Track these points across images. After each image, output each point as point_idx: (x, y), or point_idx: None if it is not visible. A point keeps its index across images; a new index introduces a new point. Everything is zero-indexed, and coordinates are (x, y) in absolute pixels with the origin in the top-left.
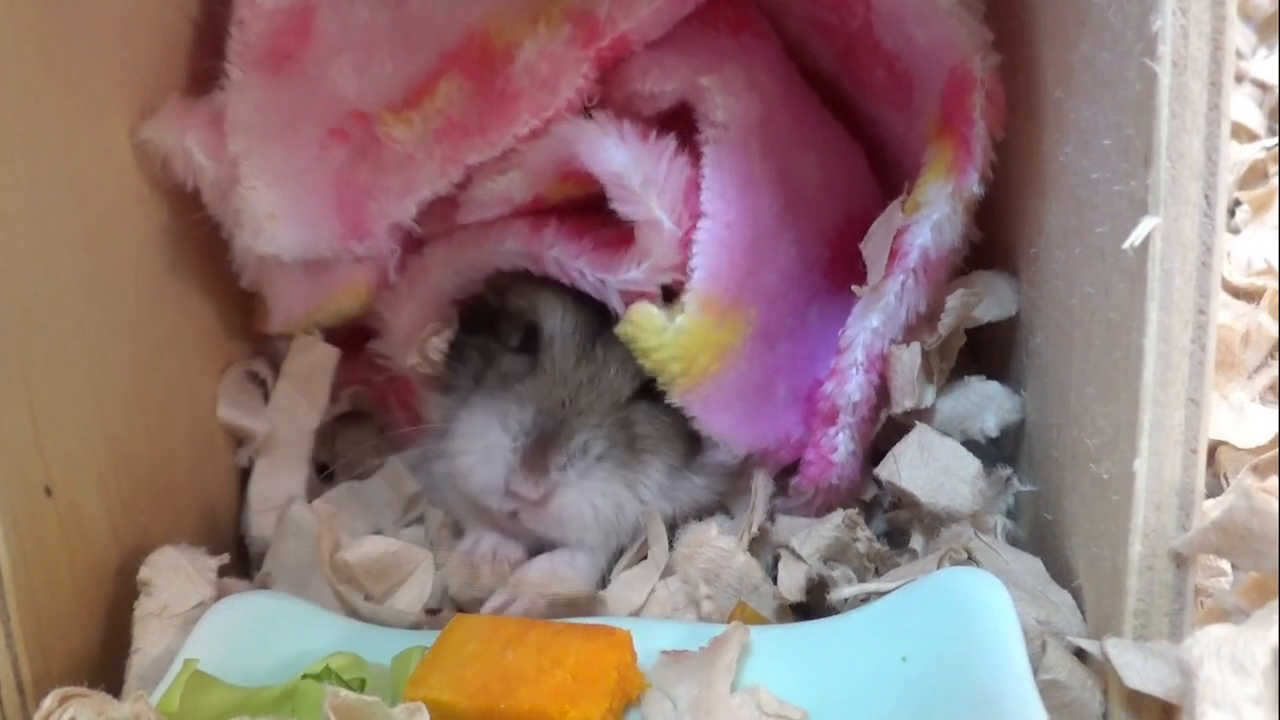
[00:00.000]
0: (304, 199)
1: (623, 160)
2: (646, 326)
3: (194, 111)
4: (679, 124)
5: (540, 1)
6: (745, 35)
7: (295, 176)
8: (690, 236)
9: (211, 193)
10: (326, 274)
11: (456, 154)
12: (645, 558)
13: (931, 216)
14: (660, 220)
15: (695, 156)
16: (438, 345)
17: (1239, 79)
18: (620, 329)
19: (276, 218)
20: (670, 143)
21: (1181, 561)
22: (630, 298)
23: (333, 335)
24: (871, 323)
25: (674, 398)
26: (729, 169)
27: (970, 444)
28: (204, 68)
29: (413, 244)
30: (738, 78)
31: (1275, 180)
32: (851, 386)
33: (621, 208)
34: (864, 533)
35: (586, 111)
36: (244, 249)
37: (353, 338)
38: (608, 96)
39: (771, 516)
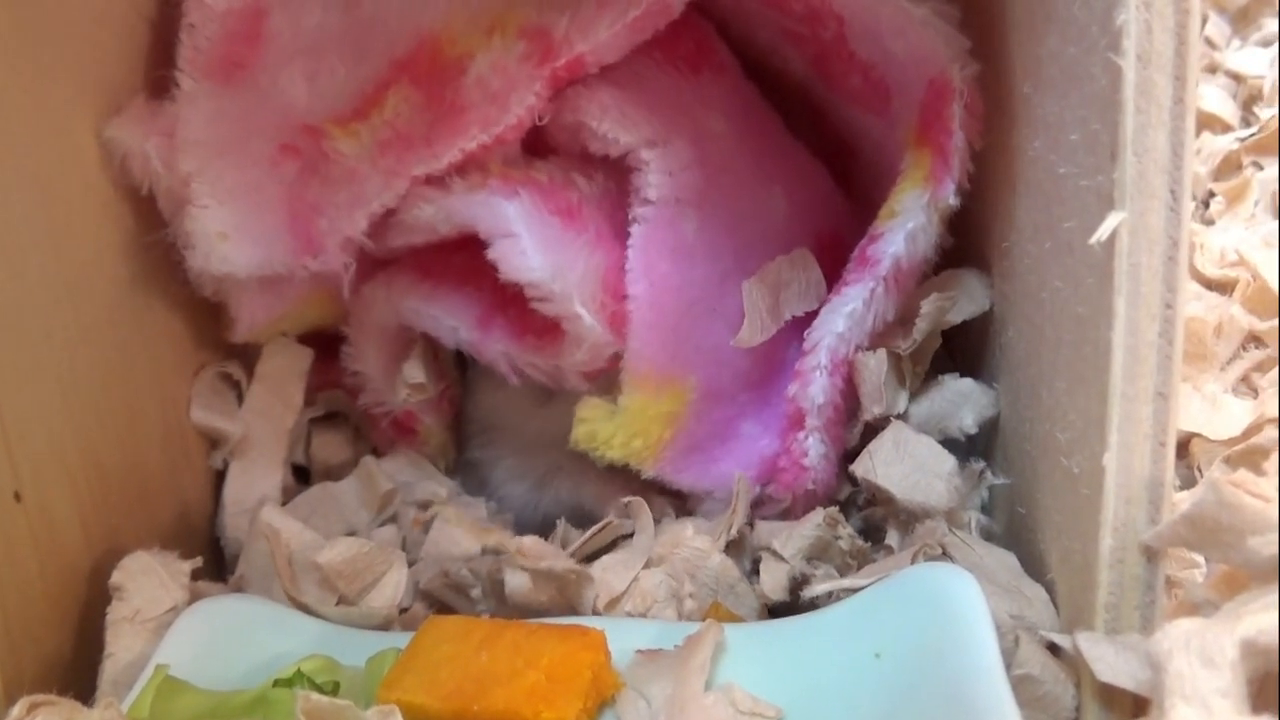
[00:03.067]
0: (256, 216)
1: (539, 266)
2: (597, 417)
3: (158, 116)
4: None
5: (496, 12)
6: (704, 73)
7: (247, 194)
8: (622, 309)
9: (165, 200)
10: (287, 286)
11: (401, 166)
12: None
13: (906, 225)
14: (582, 316)
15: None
16: (413, 370)
17: (1213, 70)
18: (575, 432)
19: (229, 236)
20: (590, 233)
21: (1151, 555)
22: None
23: (306, 337)
24: (837, 327)
25: (649, 471)
26: (656, 248)
27: (949, 442)
28: (166, 75)
29: (368, 269)
30: (681, 153)
31: (1249, 172)
32: (815, 389)
33: (541, 307)
34: (845, 530)
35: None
36: (198, 268)
37: (327, 340)
38: (558, 116)
39: (750, 523)
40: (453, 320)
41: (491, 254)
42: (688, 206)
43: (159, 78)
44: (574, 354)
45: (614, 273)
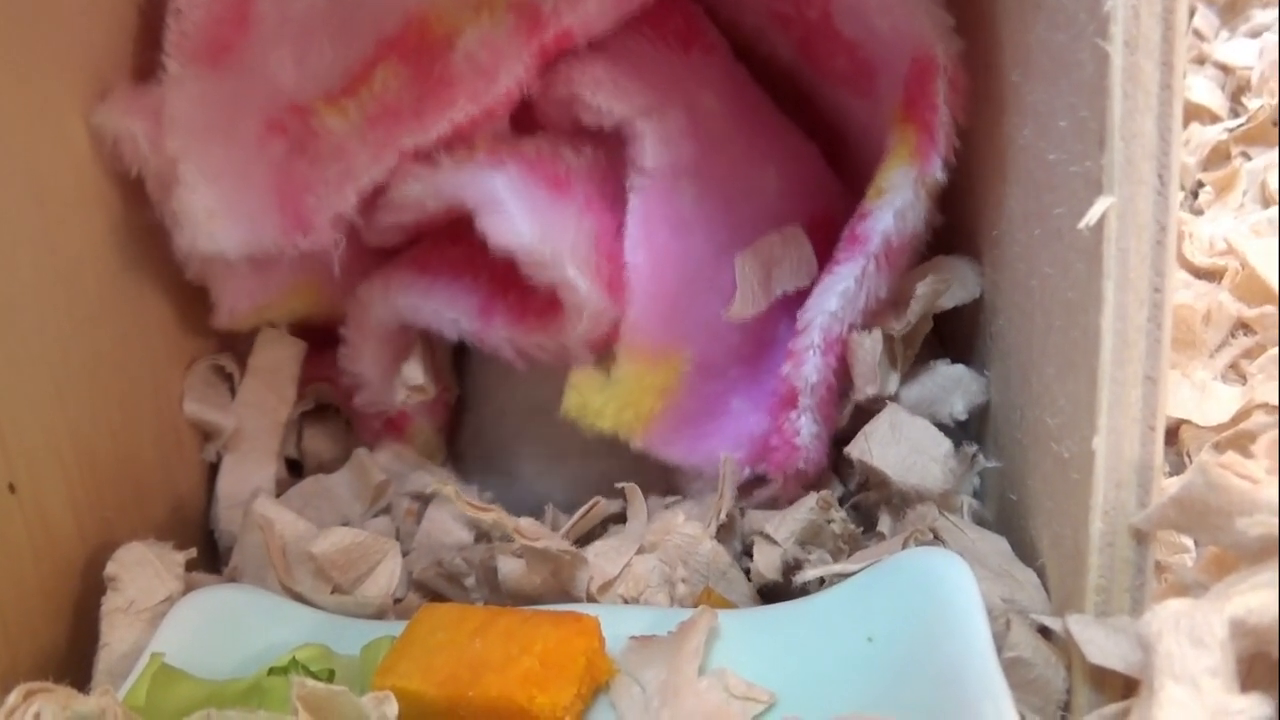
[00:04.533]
0: (245, 195)
1: (527, 232)
2: (590, 386)
3: (144, 98)
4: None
5: None
6: (695, 51)
7: (235, 173)
8: (619, 274)
9: (153, 183)
10: (274, 271)
11: (390, 138)
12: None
13: (894, 203)
14: (576, 280)
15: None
16: (413, 370)
17: (1201, 62)
18: (566, 401)
19: (217, 215)
20: (579, 200)
21: (1141, 538)
22: (597, 345)
23: (294, 331)
24: (830, 305)
25: (637, 443)
26: (655, 217)
27: (939, 428)
28: (154, 58)
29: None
30: (677, 123)
31: (1237, 162)
32: (809, 368)
33: (534, 274)
34: (838, 514)
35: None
36: (186, 248)
37: (314, 333)
38: (549, 90)
39: (741, 512)
40: (453, 312)
41: (479, 225)
42: (684, 178)
43: (146, 60)
44: (575, 325)
45: (607, 239)
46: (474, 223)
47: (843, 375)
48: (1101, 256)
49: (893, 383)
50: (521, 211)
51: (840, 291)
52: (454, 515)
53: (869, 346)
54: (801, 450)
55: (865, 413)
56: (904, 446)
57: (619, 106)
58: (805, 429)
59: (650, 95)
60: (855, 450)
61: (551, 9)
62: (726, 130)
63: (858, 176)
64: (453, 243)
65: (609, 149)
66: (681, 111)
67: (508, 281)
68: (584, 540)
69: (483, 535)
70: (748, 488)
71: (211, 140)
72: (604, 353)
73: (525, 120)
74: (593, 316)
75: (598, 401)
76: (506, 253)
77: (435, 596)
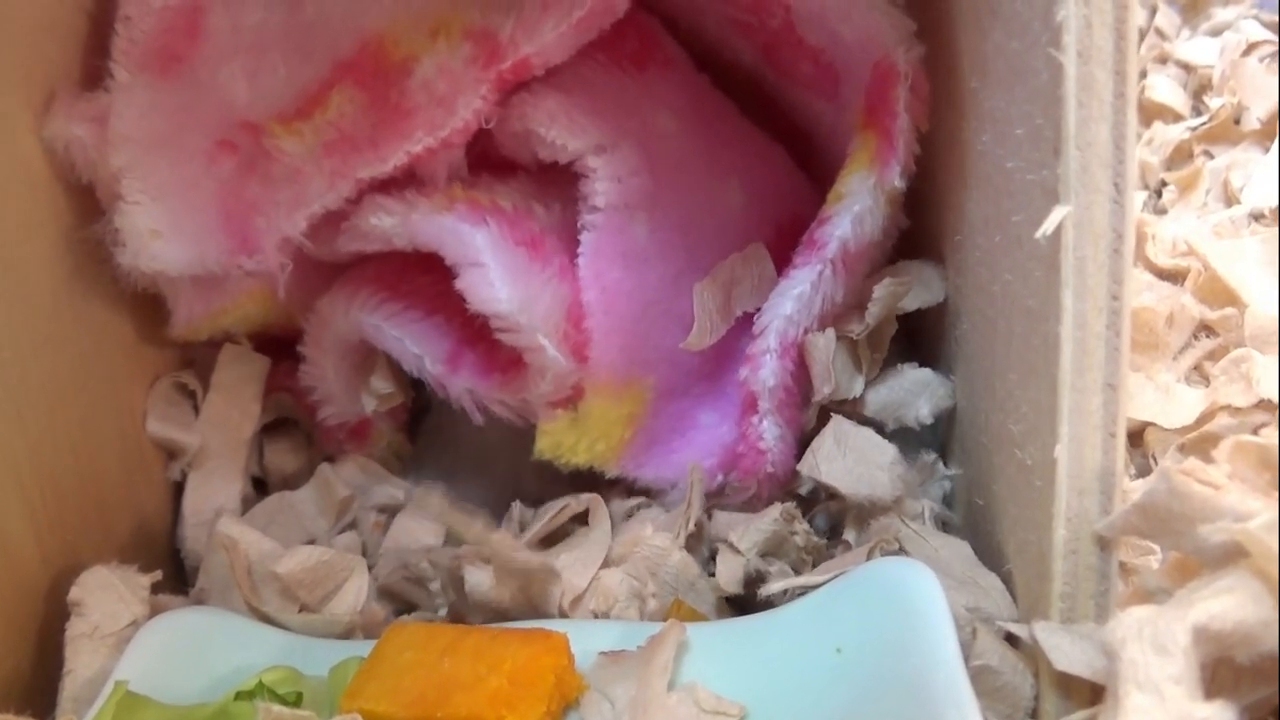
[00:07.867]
0: (190, 213)
1: (507, 298)
2: (559, 427)
3: (91, 104)
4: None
5: (441, 15)
6: (651, 69)
7: (181, 190)
8: (585, 338)
9: (102, 193)
10: (226, 281)
11: (346, 167)
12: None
13: (852, 208)
14: (545, 348)
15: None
16: (381, 381)
17: (1163, 60)
18: (538, 444)
19: (161, 234)
20: (554, 265)
21: (1105, 545)
22: (559, 404)
23: (252, 339)
24: (785, 310)
25: (612, 471)
26: (606, 254)
27: (905, 431)
28: (101, 65)
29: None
30: (630, 157)
31: (1200, 161)
32: (766, 372)
33: (505, 337)
34: (801, 525)
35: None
36: (128, 265)
37: (273, 343)
38: (505, 125)
39: (709, 514)
40: (419, 349)
41: (459, 284)
42: (638, 211)
43: (94, 68)
44: (538, 385)
45: (577, 304)
46: (444, 259)
47: (803, 379)
48: (1059, 265)
49: (858, 385)
50: (502, 276)
51: (796, 295)
52: (421, 524)
53: (823, 346)
54: (767, 454)
55: (830, 414)
56: (850, 459)
57: (573, 142)
58: (769, 432)
59: (604, 128)
60: (805, 467)
61: (509, 38)
62: (684, 150)
63: (827, 175)
64: (422, 271)
65: (571, 199)
66: (635, 143)
67: (477, 332)
68: (549, 540)
69: (450, 539)
70: (720, 495)
71: (158, 154)
72: (565, 408)
73: (487, 157)
74: (556, 378)
75: (570, 440)
76: (483, 313)
77: (402, 603)
